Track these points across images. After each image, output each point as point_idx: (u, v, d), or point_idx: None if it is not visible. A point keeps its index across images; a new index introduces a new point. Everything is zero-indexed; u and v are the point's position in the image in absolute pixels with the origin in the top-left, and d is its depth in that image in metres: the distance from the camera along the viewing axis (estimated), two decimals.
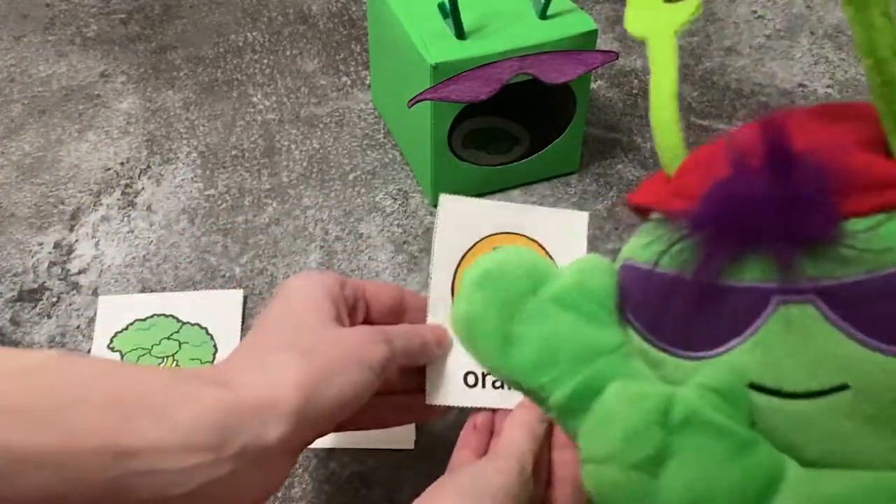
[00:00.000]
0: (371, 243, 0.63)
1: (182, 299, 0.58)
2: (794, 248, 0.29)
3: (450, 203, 0.47)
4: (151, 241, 0.63)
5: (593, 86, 0.79)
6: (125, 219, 0.65)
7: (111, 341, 0.56)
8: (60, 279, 0.60)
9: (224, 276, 0.60)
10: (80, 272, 0.61)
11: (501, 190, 0.67)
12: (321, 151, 0.71)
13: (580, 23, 0.60)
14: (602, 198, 0.67)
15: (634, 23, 0.39)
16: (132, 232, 0.64)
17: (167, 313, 0.58)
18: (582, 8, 0.62)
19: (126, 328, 0.57)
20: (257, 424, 0.32)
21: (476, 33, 0.58)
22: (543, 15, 0.60)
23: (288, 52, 0.84)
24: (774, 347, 0.30)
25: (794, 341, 0.29)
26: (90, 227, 0.64)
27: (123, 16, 0.90)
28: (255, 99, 0.78)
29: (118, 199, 0.67)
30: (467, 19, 0.58)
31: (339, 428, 0.41)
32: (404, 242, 0.63)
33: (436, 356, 0.42)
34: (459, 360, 0.43)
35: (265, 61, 0.83)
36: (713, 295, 0.31)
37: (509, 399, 0.42)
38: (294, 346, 0.36)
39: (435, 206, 0.66)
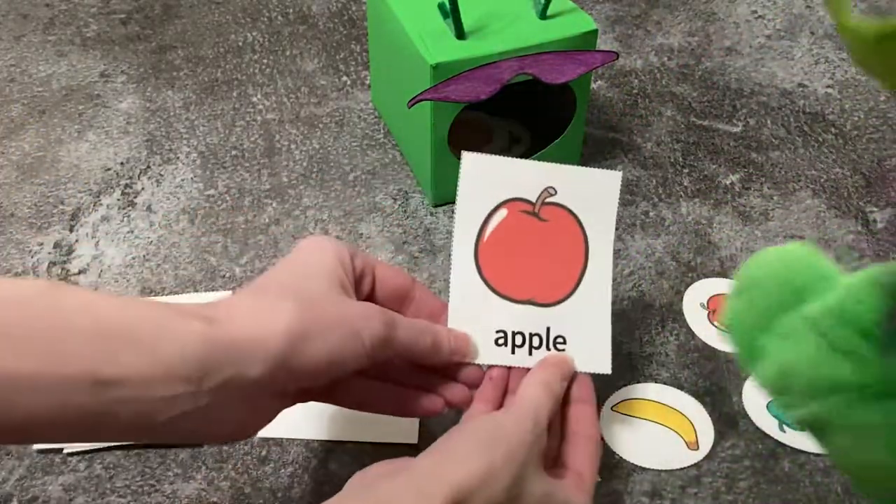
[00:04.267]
0: (371, 243, 0.63)
1: None
2: None
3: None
4: (151, 242, 0.63)
5: (593, 86, 0.79)
6: (125, 219, 0.65)
7: None
8: (60, 279, 0.60)
9: (224, 276, 0.60)
10: (80, 272, 0.61)
11: None
12: (321, 151, 0.71)
13: (580, 23, 0.60)
14: None
15: None
16: (132, 232, 0.64)
17: None
18: (582, 8, 0.62)
19: None
20: (238, 361, 0.33)
21: (476, 33, 0.58)
22: (543, 15, 0.60)
23: (288, 52, 0.84)
24: None
25: None
26: (90, 228, 0.64)
27: (123, 16, 0.90)
28: (255, 99, 0.78)
29: (118, 199, 0.67)
30: (467, 19, 0.58)
31: (338, 401, 0.42)
32: (404, 242, 0.63)
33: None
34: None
35: (265, 61, 0.83)
36: None
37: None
38: (294, 296, 0.37)
39: (435, 206, 0.66)
